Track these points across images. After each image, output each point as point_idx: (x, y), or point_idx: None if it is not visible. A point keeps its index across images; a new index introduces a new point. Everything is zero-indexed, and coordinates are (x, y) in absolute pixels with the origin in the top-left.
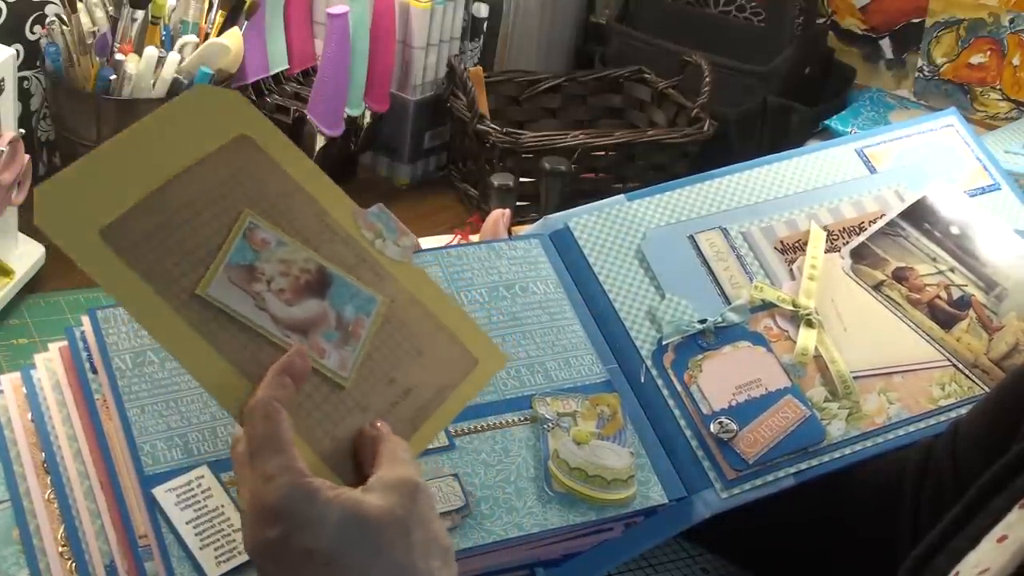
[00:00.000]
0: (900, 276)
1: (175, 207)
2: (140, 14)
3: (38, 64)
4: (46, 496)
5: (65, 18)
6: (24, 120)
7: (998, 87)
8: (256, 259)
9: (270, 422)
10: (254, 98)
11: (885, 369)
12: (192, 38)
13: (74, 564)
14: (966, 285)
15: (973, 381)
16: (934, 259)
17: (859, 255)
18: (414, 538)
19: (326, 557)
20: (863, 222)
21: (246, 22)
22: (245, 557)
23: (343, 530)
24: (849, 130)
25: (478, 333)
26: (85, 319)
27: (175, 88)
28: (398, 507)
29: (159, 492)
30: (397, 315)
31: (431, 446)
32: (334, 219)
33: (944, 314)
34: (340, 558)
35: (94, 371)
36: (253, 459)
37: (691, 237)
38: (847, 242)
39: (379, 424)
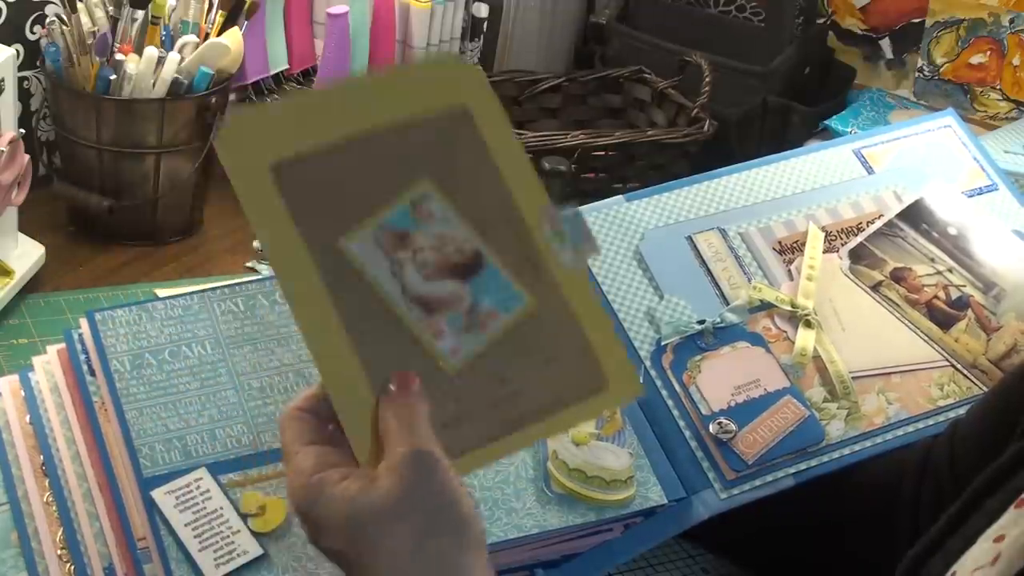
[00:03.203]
0: (898, 276)
1: (358, 160)
2: (140, 14)
3: (38, 64)
4: (44, 499)
5: (65, 18)
6: (24, 120)
7: (998, 87)
8: (413, 227)
9: (282, 433)
10: (254, 98)
11: (884, 369)
12: (192, 38)
13: (72, 567)
14: (964, 285)
15: (972, 381)
16: (932, 259)
17: (857, 255)
18: (418, 519)
19: (348, 557)
20: (861, 223)
21: (246, 22)
22: (244, 559)
23: (350, 530)
24: (849, 130)
25: (620, 356)
26: (83, 321)
27: (175, 88)
28: (396, 489)
29: (158, 494)
30: (540, 319)
31: None
32: (519, 210)
33: (942, 314)
34: (358, 558)
35: (92, 373)
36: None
37: (689, 238)
38: (845, 242)
39: (389, 396)
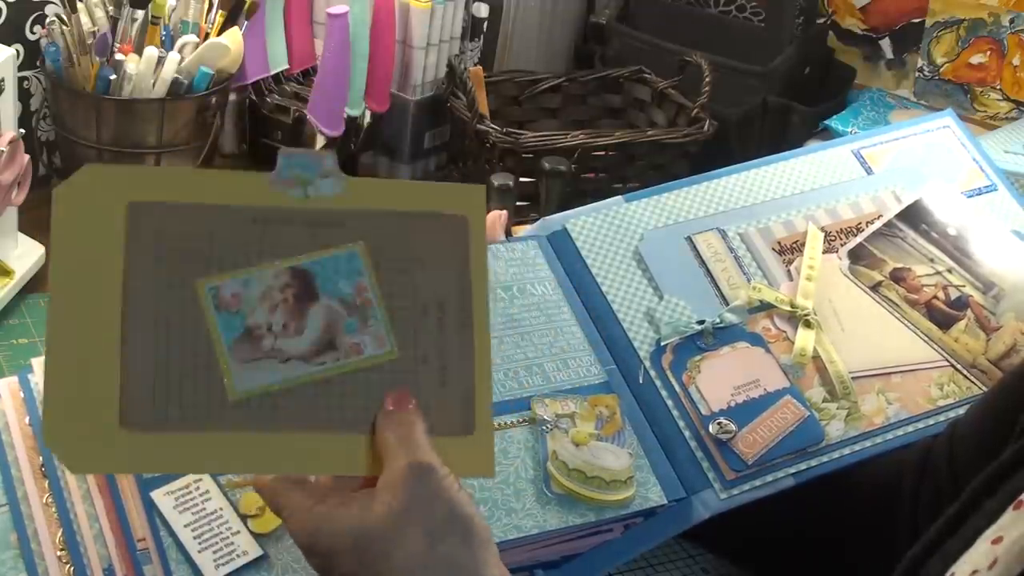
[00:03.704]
0: (898, 277)
1: (149, 343)
2: (140, 14)
3: (38, 64)
4: (44, 500)
5: (65, 18)
6: (24, 120)
7: (998, 87)
8: (244, 319)
9: (267, 493)
10: (254, 98)
11: (883, 369)
12: (192, 38)
13: (72, 568)
14: (964, 286)
15: (971, 381)
16: (931, 260)
17: (857, 256)
18: (423, 528)
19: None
20: (860, 223)
21: (246, 22)
22: (244, 560)
23: (359, 552)
24: (849, 130)
25: (443, 189)
26: None
27: (175, 88)
28: (396, 503)
29: (157, 495)
30: (378, 245)
31: None
32: (264, 210)
33: (942, 314)
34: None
35: None
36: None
37: (688, 238)
38: (844, 243)
39: (386, 414)
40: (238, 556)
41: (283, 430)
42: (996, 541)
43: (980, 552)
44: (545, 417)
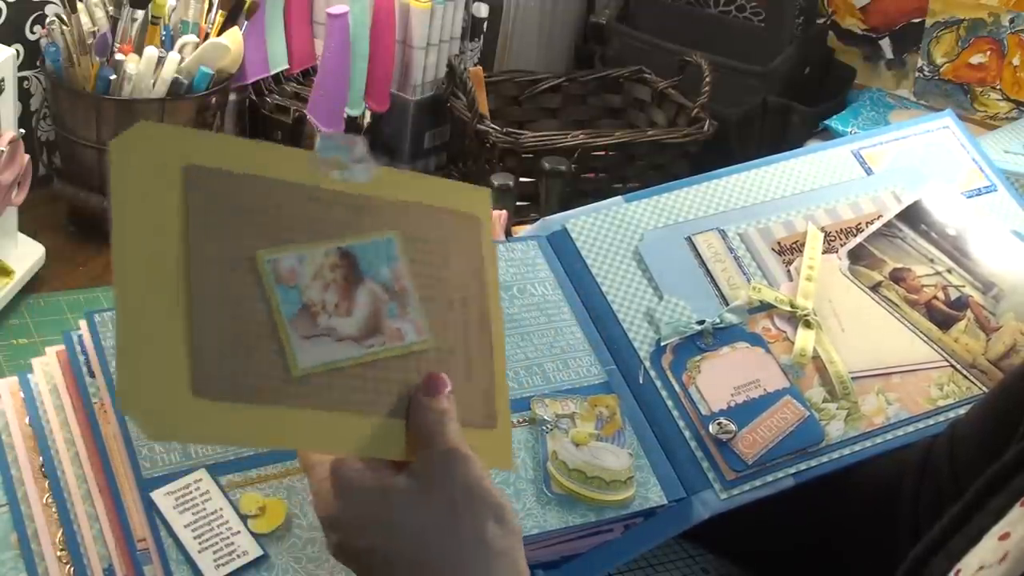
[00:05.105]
0: (897, 277)
1: (215, 312)
2: (140, 14)
3: (38, 64)
4: (44, 500)
5: (65, 18)
6: (24, 120)
7: (998, 87)
8: (300, 295)
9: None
10: (254, 98)
11: (883, 370)
12: (192, 38)
13: (72, 568)
14: (963, 286)
15: (971, 381)
16: (931, 260)
17: (856, 256)
18: (447, 496)
19: (376, 550)
20: (860, 223)
21: (246, 22)
22: (244, 560)
23: (383, 512)
24: (849, 130)
25: (457, 188)
26: (82, 323)
27: (175, 88)
28: (429, 473)
29: (157, 495)
30: (408, 236)
31: None
32: (316, 189)
33: (942, 315)
34: (387, 542)
35: (92, 375)
36: None
37: (688, 239)
38: (844, 243)
39: (420, 400)
40: (238, 556)
41: (334, 409)
42: (1004, 537)
43: (987, 548)
44: (545, 417)
